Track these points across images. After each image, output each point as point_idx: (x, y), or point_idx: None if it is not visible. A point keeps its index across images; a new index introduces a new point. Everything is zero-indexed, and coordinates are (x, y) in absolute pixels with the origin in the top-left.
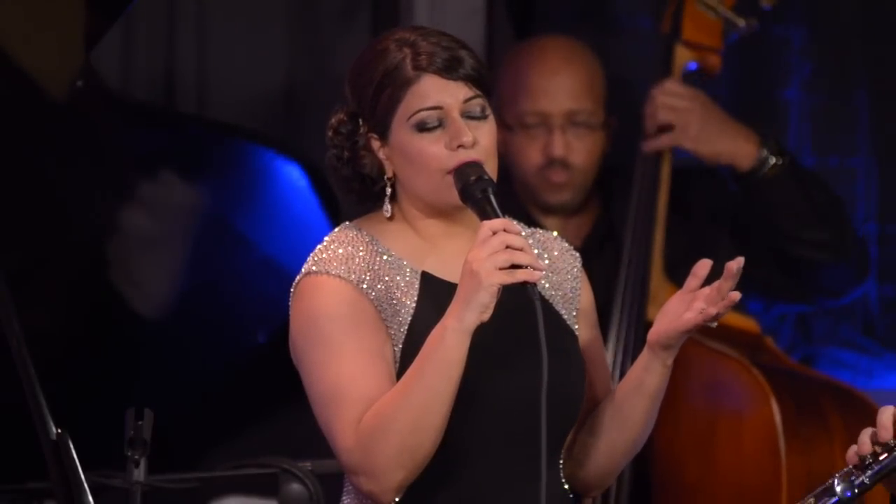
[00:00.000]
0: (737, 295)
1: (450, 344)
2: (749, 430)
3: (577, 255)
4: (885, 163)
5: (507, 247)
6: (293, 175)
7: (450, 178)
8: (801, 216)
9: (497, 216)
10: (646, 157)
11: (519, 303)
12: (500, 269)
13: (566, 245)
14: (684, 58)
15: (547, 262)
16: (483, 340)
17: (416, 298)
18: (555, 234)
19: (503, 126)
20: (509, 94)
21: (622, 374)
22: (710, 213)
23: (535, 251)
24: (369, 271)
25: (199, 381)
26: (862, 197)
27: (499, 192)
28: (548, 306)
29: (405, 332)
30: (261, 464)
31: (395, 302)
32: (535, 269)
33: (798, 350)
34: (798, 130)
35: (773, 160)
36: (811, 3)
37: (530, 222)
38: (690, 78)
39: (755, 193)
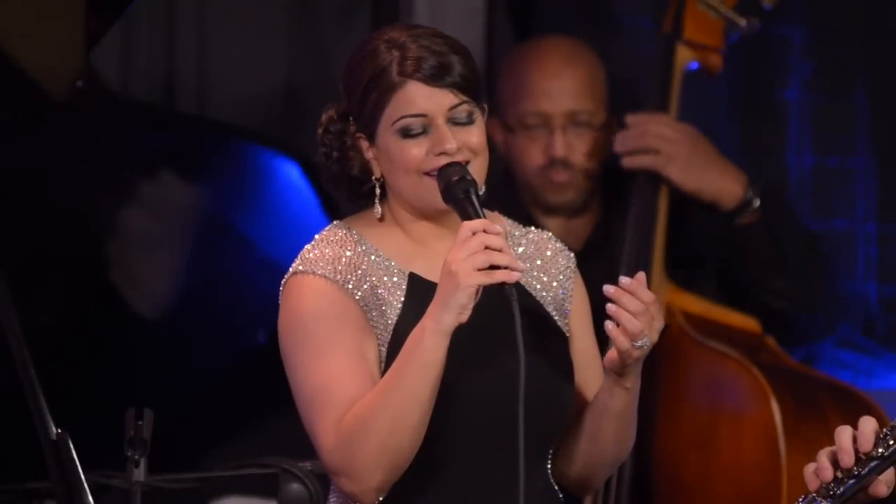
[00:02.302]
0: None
1: (428, 345)
2: (749, 429)
3: (571, 255)
4: (885, 163)
5: (486, 247)
6: (293, 175)
7: (430, 181)
8: (771, 267)
9: (478, 216)
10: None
11: (502, 304)
12: (479, 269)
13: (560, 245)
14: (685, 57)
15: (539, 262)
16: (465, 341)
17: (402, 299)
18: (549, 234)
19: (504, 127)
20: (510, 95)
21: None
22: (702, 237)
23: (531, 250)
24: (356, 271)
25: (198, 381)
26: (862, 197)
27: (505, 193)
28: (537, 307)
29: (391, 333)
30: (261, 464)
31: (381, 302)
32: (513, 270)
33: (798, 350)
34: (798, 130)
35: (757, 203)
36: (811, 3)
37: (532, 224)
38: (692, 77)
39: (731, 236)
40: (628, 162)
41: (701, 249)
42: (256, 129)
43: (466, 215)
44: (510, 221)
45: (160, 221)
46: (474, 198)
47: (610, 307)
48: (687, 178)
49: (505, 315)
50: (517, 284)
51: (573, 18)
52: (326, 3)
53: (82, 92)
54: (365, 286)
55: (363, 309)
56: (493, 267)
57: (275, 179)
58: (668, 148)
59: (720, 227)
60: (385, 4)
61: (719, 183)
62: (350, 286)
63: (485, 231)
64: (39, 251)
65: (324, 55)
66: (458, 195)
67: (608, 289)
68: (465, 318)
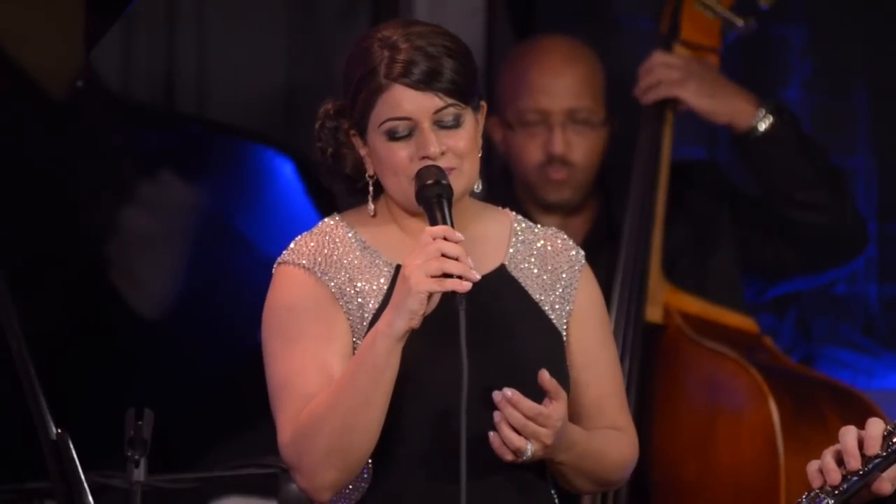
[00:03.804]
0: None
1: (379, 349)
2: (747, 429)
3: (579, 254)
4: (885, 163)
5: (443, 255)
6: (293, 175)
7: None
8: (800, 175)
9: (445, 222)
10: (645, 155)
11: (475, 307)
12: (431, 276)
13: (570, 243)
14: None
15: (541, 260)
16: (435, 343)
17: (384, 292)
18: (557, 231)
19: (503, 124)
20: (510, 92)
21: None
22: (710, 206)
23: (537, 246)
24: (336, 263)
25: (199, 381)
26: (862, 197)
27: (503, 192)
28: (531, 304)
29: (367, 325)
30: (261, 464)
31: (359, 294)
32: (466, 279)
33: (798, 350)
34: None
35: (771, 119)
36: (811, 3)
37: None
38: None
39: (754, 153)
40: (645, 98)
41: (709, 233)
42: (256, 129)
43: (433, 220)
44: (521, 219)
45: (160, 221)
46: (444, 203)
47: (496, 416)
48: (701, 98)
49: (477, 320)
50: (511, 280)
51: (573, 18)
52: (326, 3)
53: (82, 92)
54: (344, 278)
55: (338, 301)
56: (446, 275)
57: (274, 179)
58: (678, 73)
59: (734, 184)
60: (385, 4)
61: (732, 101)
62: (326, 277)
63: (445, 238)
64: (39, 251)
65: (324, 55)
66: (429, 198)
67: (496, 395)
68: (416, 323)
